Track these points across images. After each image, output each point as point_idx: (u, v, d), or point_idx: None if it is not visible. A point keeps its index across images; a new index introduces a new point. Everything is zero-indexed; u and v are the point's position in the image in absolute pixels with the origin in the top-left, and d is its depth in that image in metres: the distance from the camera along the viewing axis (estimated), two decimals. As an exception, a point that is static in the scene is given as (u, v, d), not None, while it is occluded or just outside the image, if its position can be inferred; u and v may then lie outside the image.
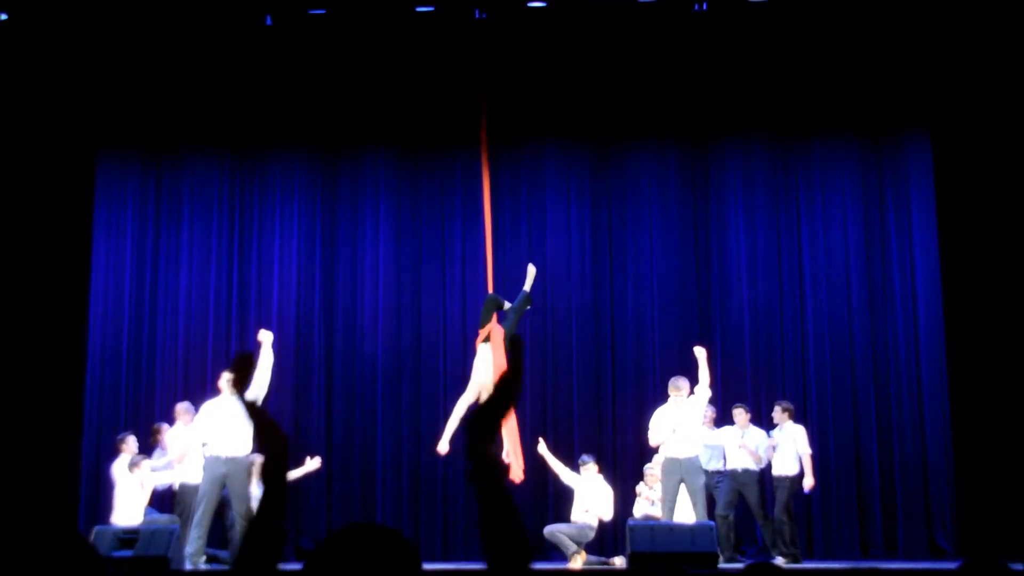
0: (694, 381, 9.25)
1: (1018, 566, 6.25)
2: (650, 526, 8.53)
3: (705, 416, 9.69)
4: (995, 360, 10.29)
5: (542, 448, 9.89)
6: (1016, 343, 10.27)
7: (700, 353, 9.24)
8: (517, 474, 8.79)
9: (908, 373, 10.64)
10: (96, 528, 8.53)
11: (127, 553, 8.07)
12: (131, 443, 9.49)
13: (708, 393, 9.23)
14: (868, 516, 10.46)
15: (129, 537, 8.24)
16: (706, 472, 9.65)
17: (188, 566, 8.44)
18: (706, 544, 8.16)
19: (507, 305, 9.09)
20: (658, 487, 9.47)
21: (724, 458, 9.88)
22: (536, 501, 10.61)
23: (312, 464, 9.76)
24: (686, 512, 9.10)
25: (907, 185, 10.95)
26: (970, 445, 10.27)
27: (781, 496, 9.63)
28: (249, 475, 8.85)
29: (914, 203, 10.89)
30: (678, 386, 9.19)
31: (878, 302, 10.82)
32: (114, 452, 9.57)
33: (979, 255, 10.52)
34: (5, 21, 10.42)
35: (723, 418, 10.00)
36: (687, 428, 9.10)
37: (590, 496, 9.75)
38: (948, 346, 10.58)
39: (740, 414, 9.92)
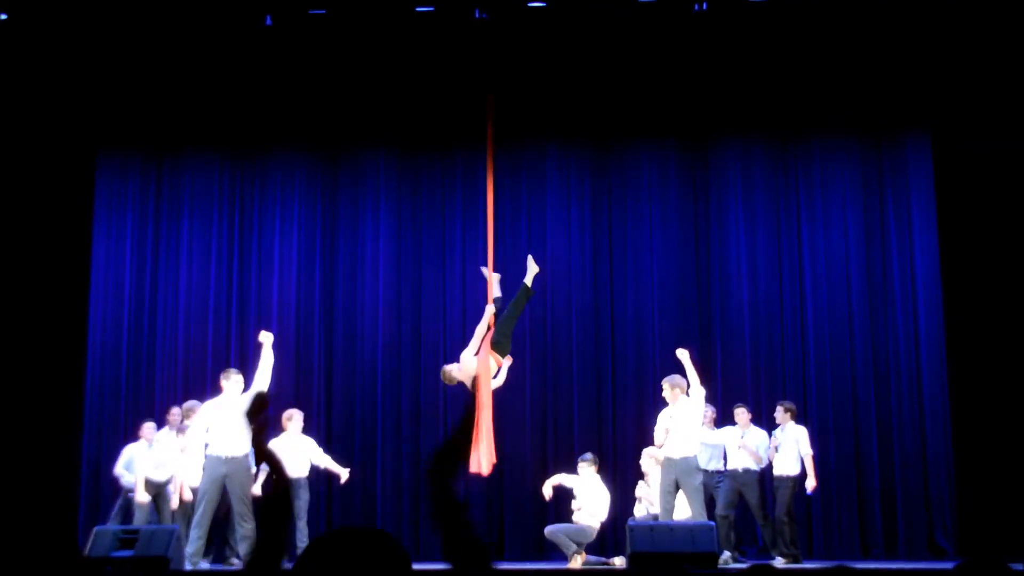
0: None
1: (1018, 566, 6.25)
2: (650, 526, 8.53)
3: (705, 416, 9.69)
4: (995, 360, 10.31)
5: (548, 490, 9.84)
6: (1016, 343, 10.28)
7: (683, 355, 9.22)
8: (483, 468, 8.71)
9: (908, 373, 10.64)
10: (96, 528, 8.53)
11: (127, 553, 8.07)
12: (147, 430, 9.60)
13: (702, 391, 9.18)
14: (868, 516, 10.45)
15: (129, 537, 8.24)
16: (706, 472, 9.68)
17: (188, 566, 8.44)
18: (706, 544, 8.16)
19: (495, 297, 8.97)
20: (652, 480, 9.49)
21: (725, 458, 9.89)
22: (536, 500, 10.62)
23: (342, 473, 9.89)
24: (683, 511, 9.11)
25: (907, 185, 10.94)
26: (970, 445, 10.28)
27: (782, 496, 9.64)
28: (249, 475, 8.86)
29: (914, 203, 10.88)
30: (665, 386, 9.24)
31: (878, 302, 10.82)
32: (134, 437, 9.71)
33: (979, 255, 10.53)
34: (5, 21, 10.42)
35: (724, 418, 10.01)
36: (682, 428, 9.08)
37: (584, 496, 9.75)
38: (948, 346, 10.58)
39: (741, 414, 9.93)
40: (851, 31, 10.55)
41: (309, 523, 9.80)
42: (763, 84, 10.94)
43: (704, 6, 10.33)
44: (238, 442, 8.74)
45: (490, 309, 8.86)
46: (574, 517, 9.75)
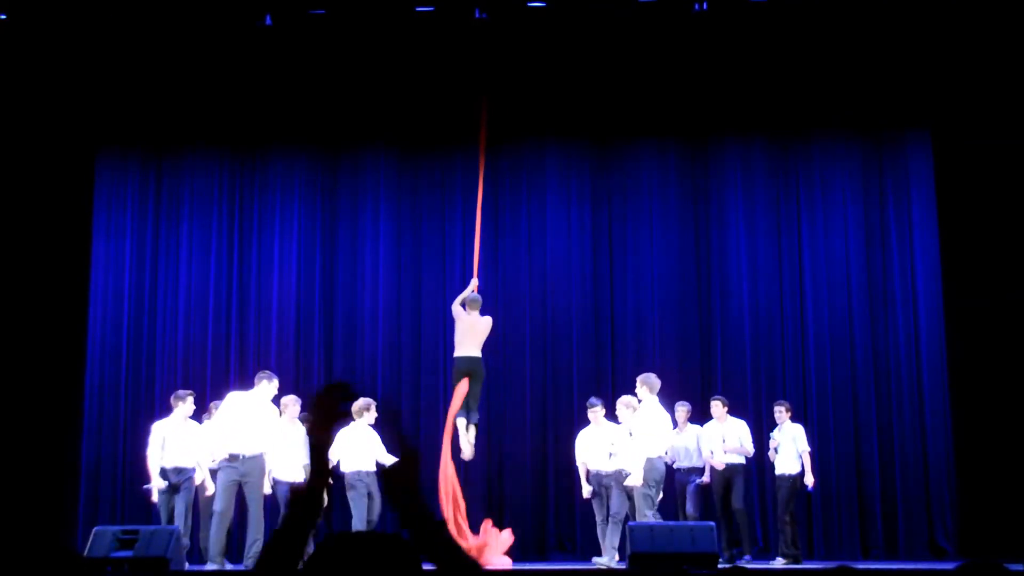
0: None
1: (1018, 567, 6.24)
2: (650, 526, 8.52)
3: (681, 414, 9.72)
4: (995, 360, 10.29)
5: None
6: (1016, 344, 10.26)
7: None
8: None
9: (908, 373, 10.63)
10: (95, 529, 8.52)
11: (127, 553, 8.07)
12: (190, 403, 9.38)
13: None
14: (868, 516, 10.44)
15: (129, 537, 8.23)
16: (679, 471, 9.64)
17: (213, 566, 8.55)
18: (706, 544, 8.15)
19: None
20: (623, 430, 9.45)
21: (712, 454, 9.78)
22: (536, 500, 10.62)
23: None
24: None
25: (907, 185, 10.93)
26: (970, 445, 10.26)
27: (783, 496, 9.61)
28: (264, 474, 8.90)
29: (914, 203, 10.88)
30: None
31: (878, 302, 10.81)
32: (168, 409, 9.54)
33: (979, 255, 10.51)
34: (5, 21, 10.41)
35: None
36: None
37: (596, 442, 9.41)
38: (948, 346, 10.57)
39: (717, 406, 9.85)
40: (851, 31, 10.54)
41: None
42: (763, 84, 10.93)
43: (704, 6, 10.32)
44: (257, 441, 8.81)
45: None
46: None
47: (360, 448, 9.32)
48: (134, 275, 11.15)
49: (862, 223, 10.94)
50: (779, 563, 9.42)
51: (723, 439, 9.75)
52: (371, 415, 9.48)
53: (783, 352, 10.83)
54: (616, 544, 9.00)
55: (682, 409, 9.80)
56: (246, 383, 10.31)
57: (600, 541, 9.19)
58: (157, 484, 9.07)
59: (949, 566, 7.65)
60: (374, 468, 9.41)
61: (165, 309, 11.10)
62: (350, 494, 9.31)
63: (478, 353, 9.13)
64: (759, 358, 10.81)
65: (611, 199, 11.21)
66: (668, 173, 11.19)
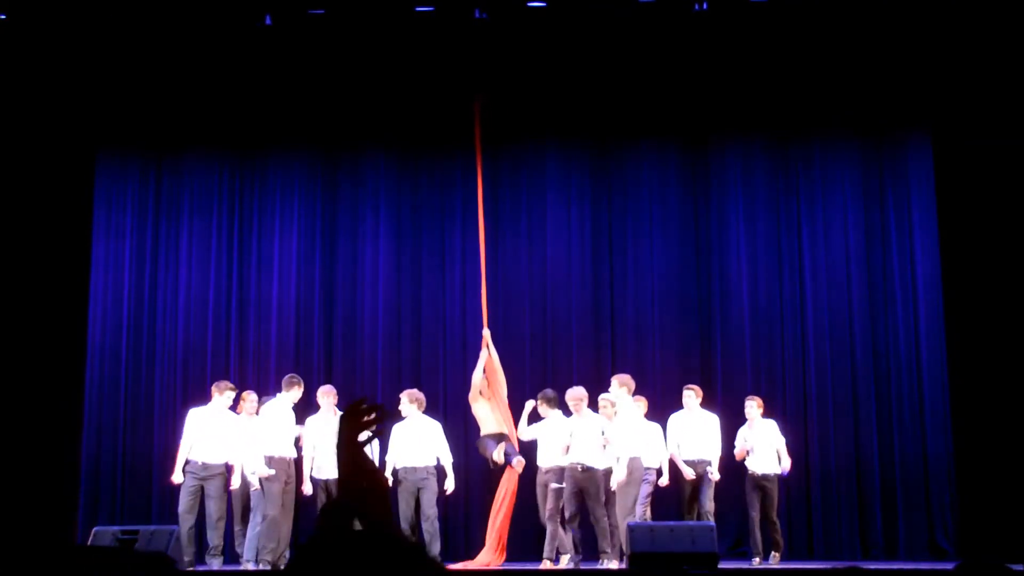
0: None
1: (1018, 567, 6.24)
2: (650, 526, 8.52)
3: (641, 408, 9.58)
4: (995, 360, 10.30)
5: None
6: (1016, 343, 10.27)
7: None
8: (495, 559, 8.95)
9: (908, 373, 10.63)
10: (95, 529, 8.53)
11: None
12: (228, 396, 9.46)
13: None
14: (868, 516, 10.44)
15: (129, 537, 8.23)
16: (648, 469, 9.51)
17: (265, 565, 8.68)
18: (706, 544, 8.15)
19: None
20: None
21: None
22: (535, 501, 10.61)
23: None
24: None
25: (908, 185, 10.93)
26: (970, 445, 10.27)
27: (771, 494, 9.56)
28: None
29: (915, 203, 10.88)
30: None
31: (879, 302, 10.81)
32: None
33: (979, 255, 10.52)
34: (5, 21, 10.41)
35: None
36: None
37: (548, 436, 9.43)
38: (948, 346, 10.57)
39: (691, 396, 9.71)
40: (851, 31, 10.55)
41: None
42: (763, 84, 10.94)
43: (704, 6, 10.33)
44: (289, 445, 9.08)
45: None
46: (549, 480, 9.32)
47: (410, 442, 9.33)
48: (134, 275, 11.15)
49: (862, 223, 10.94)
50: (775, 561, 9.41)
51: (665, 436, 9.55)
52: (415, 406, 9.53)
53: (783, 352, 10.82)
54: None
55: (639, 402, 9.62)
56: (246, 383, 10.32)
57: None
58: (177, 477, 9.12)
59: (949, 566, 7.65)
60: (430, 462, 9.44)
61: (165, 309, 11.09)
62: (398, 490, 9.33)
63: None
64: (759, 358, 10.81)
65: (611, 199, 11.21)
66: (668, 173, 11.19)
